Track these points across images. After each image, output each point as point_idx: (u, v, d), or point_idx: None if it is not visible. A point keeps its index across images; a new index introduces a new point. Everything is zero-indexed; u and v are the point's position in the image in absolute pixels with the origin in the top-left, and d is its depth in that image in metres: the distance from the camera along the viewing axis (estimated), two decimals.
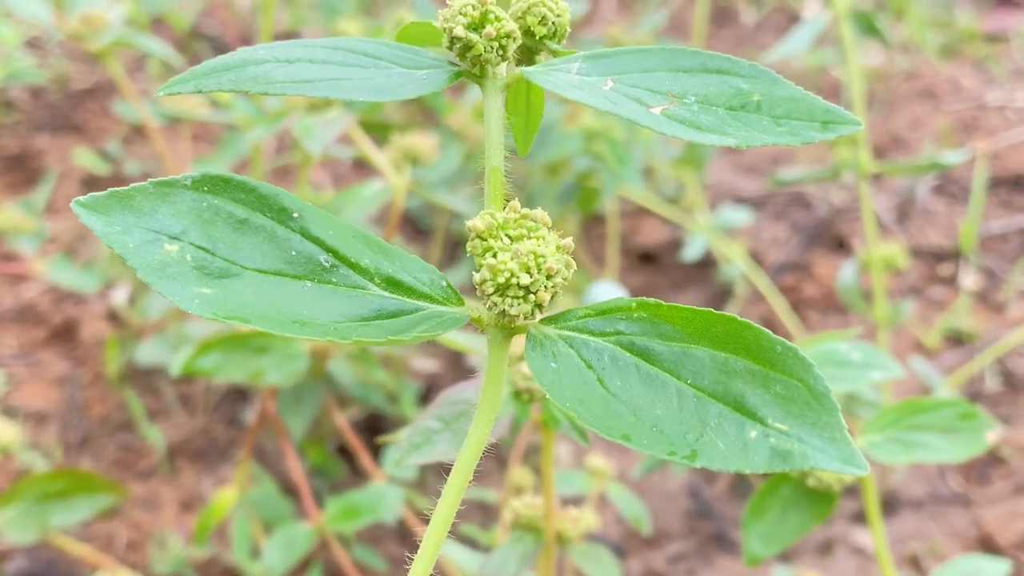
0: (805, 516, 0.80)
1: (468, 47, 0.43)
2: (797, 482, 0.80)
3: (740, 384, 0.40)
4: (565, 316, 0.43)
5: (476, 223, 0.41)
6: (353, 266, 0.43)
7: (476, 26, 0.43)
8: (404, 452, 0.61)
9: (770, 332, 0.40)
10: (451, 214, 1.62)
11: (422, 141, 1.02)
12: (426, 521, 1.27)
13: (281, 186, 1.59)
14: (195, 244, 0.42)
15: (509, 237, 0.41)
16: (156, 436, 1.42)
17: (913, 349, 1.56)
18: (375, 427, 1.44)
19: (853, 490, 1.39)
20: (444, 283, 0.43)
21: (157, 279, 0.41)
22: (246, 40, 2.16)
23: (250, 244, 0.42)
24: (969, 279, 1.64)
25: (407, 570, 1.27)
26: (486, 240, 0.41)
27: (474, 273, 0.41)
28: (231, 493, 1.15)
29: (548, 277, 0.41)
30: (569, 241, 0.42)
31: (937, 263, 1.70)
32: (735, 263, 1.61)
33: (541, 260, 0.40)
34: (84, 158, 1.88)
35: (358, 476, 1.39)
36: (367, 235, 0.43)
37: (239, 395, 1.50)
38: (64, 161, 1.92)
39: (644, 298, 0.42)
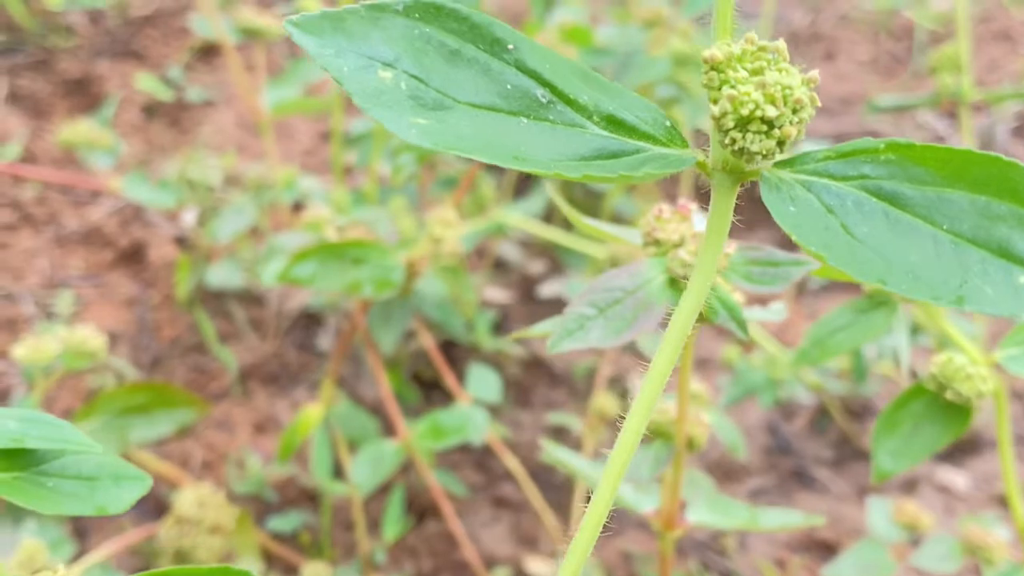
0: (940, 430, 0.77)
1: None
2: (932, 396, 0.77)
3: (1005, 229, 0.37)
4: (802, 159, 0.40)
5: (713, 52, 0.38)
6: (571, 103, 0.40)
7: None
8: (558, 337, 0.59)
9: None
10: None
11: None
12: (509, 446, 1.24)
13: (355, 112, 1.55)
14: (408, 73, 0.39)
15: (747, 70, 0.38)
16: (228, 357, 1.40)
17: None
18: (450, 355, 1.41)
19: None
20: (668, 123, 0.40)
21: (373, 105, 0.38)
22: None
23: (463, 76, 0.39)
24: None
25: (487, 495, 1.24)
26: (723, 72, 0.38)
27: (712, 106, 0.38)
28: (316, 410, 1.13)
29: (795, 111, 0.38)
30: (815, 74, 0.38)
31: None
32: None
33: (788, 91, 0.37)
34: (146, 83, 1.85)
35: (431, 404, 1.37)
36: (586, 71, 0.41)
37: (311, 320, 1.48)
38: (125, 87, 1.90)
39: (894, 139, 0.38)
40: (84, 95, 1.89)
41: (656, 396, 0.41)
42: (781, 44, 0.39)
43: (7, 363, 1.38)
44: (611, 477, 0.41)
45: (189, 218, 1.57)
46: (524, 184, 1.68)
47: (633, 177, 0.38)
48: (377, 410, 1.31)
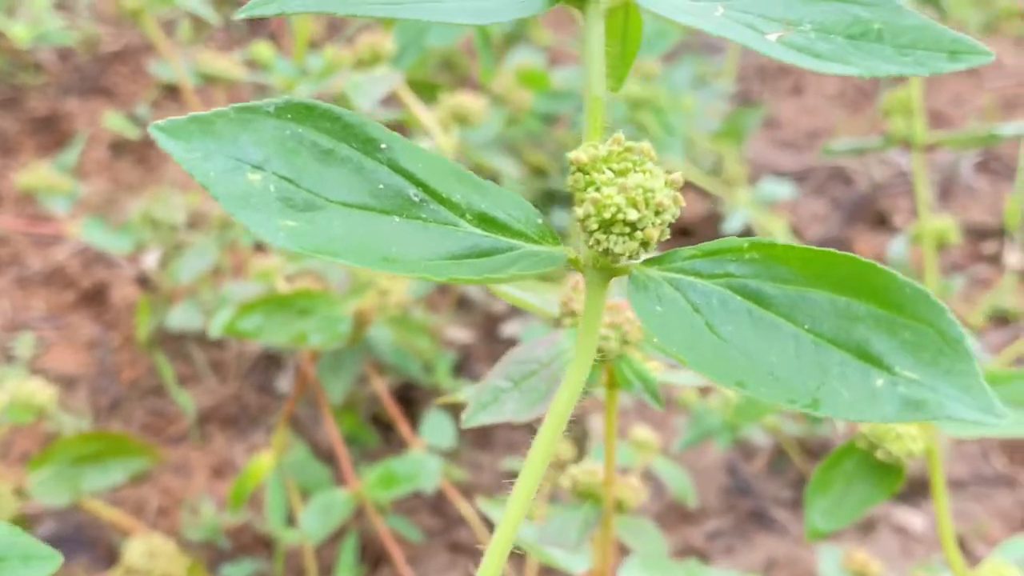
0: (871, 490, 0.77)
1: None
2: (863, 455, 0.77)
3: (863, 330, 0.37)
4: (670, 257, 0.40)
5: (579, 155, 0.39)
6: (444, 201, 0.40)
7: None
8: (472, 411, 0.59)
9: (897, 274, 0.37)
10: (493, 176, 1.59)
11: (471, 101, 0.99)
12: (463, 491, 1.24)
13: None
14: (278, 174, 0.39)
15: (613, 171, 0.39)
16: (187, 401, 1.40)
17: None
18: (409, 396, 1.41)
19: None
20: (540, 220, 0.41)
21: (240, 209, 0.38)
22: None
23: (335, 176, 0.40)
24: (1014, 257, 1.61)
25: (442, 540, 1.24)
26: (589, 173, 0.39)
27: (576, 209, 0.39)
28: (268, 458, 1.13)
29: (657, 213, 0.38)
30: (679, 176, 0.39)
31: (980, 241, 1.67)
32: (776, 238, 1.58)
33: (650, 194, 0.38)
34: (114, 121, 1.85)
35: (390, 446, 1.37)
36: (459, 169, 0.41)
37: (271, 361, 1.48)
38: (93, 124, 1.90)
39: (757, 238, 0.39)
40: (52, 132, 1.90)
41: (532, 492, 0.41)
42: (647, 145, 0.39)
43: None
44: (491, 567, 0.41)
45: (152, 259, 1.57)
46: None
47: (499, 278, 0.39)
48: (334, 455, 1.31)
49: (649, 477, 1.30)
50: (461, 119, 0.99)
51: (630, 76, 1.37)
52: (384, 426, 1.41)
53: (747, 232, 1.68)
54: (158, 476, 1.32)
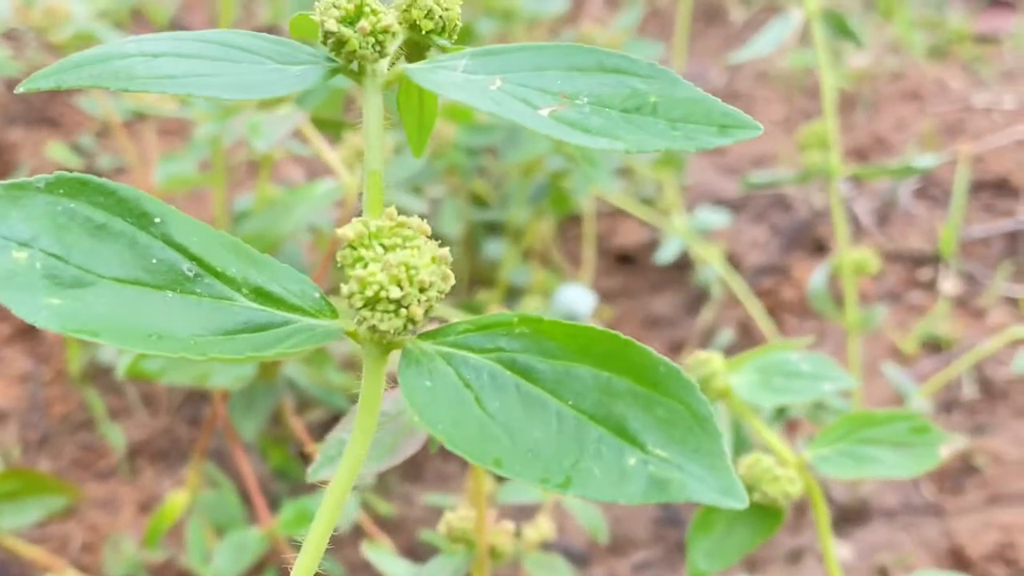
0: (751, 532, 0.77)
1: (342, 42, 0.40)
2: None
3: (622, 406, 0.37)
4: (444, 331, 0.40)
5: (346, 231, 0.39)
6: (219, 275, 0.40)
7: (351, 20, 0.40)
8: (319, 464, 0.59)
9: (653, 351, 0.37)
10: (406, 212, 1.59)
11: None
12: (393, 525, 1.23)
13: (247, 182, 1.56)
14: (46, 251, 0.39)
15: (383, 247, 0.39)
16: (116, 436, 1.40)
17: (890, 355, 1.53)
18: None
19: (829, 499, 1.36)
20: (317, 294, 0.41)
21: (3, 288, 0.38)
22: None
23: (108, 251, 0.40)
24: (949, 284, 1.61)
25: (370, 574, 1.23)
26: (357, 250, 0.39)
27: (342, 286, 0.39)
28: (182, 496, 1.12)
29: (421, 290, 0.38)
30: (446, 252, 0.39)
31: (917, 267, 1.67)
32: (712, 265, 1.58)
33: (413, 272, 0.38)
34: (57, 152, 1.85)
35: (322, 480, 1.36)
36: (236, 242, 0.41)
37: (203, 395, 1.48)
38: (38, 155, 1.89)
39: (526, 312, 0.39)
40: None
41: (315, 565, 0.41)
42: (417, 221, 0.39)
43: None
44: None
45: None
46: None
47: (266, 356, 0.39)
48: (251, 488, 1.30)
49: (559, 508, 1.30)
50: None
51: None
52: (311, 460, 1.40)
53: (683, 260, 1.68)
54: (85, 511, 1.32)
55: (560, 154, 1.41)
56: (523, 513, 1.13)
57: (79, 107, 2.02)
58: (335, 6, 0.40)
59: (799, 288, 1.66)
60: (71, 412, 1.45)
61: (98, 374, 1.48)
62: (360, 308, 0.38)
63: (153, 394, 1.48)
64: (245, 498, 1.26)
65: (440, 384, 0.39)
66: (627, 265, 1.78)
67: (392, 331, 0.38)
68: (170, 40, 0.42)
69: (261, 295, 0.40)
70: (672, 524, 1.38)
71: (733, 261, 1.70)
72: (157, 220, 0.40)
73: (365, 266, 0.38)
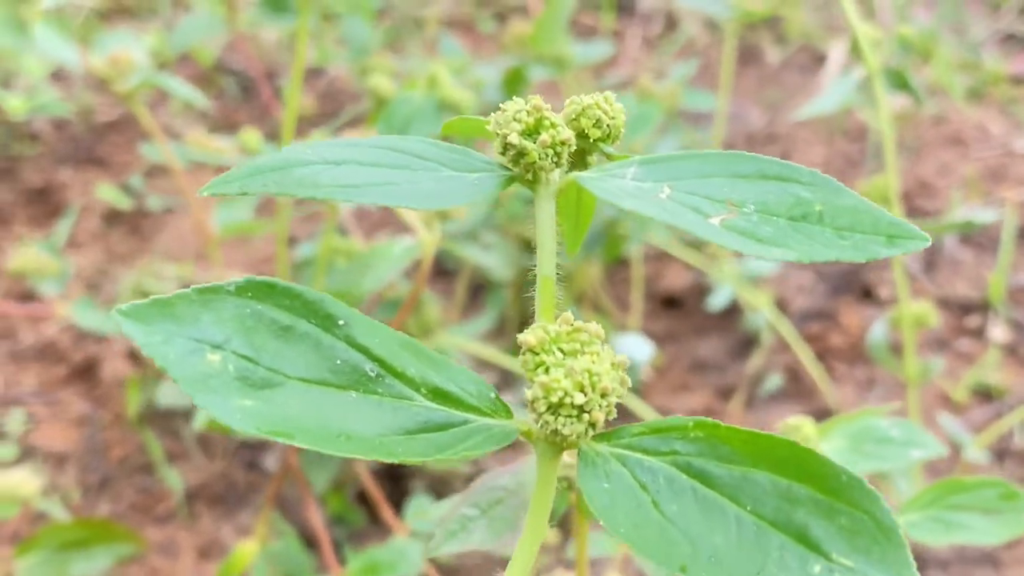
0: None
1: (522, 154, 0.41)
2: None
3: (803, 514, 0.38)
4: (618, 433, 0.41)
5: (528, 338, 0.40)
6: (399, 376, 0.42)
7: (531, 132, 0.42)
8: (440, 540, 0.60)
9: (834, 461, 0.38)
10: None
11: None
12: (457, 571, 1.24)
13: (308, 231, 1.58)
14: (238, 353, 0.40)
15: (562, 351, 0.40)
16: (175, 480, 1.41)
17: (940, 404, 1.53)
18: (394, 475, 1.42)
19: None
20: (492, 395, 0.42)
21: (198, 392, 0.39)
22: (272, 75, 2.16)
23: (294, 352, 0.41)
24: (998, 331, 1.62)
25: None
26: (538, 355, 0.40)
27: (526, 390, 0.40)
28: (251, 546, 1.13)
29: (603, 396, 0.39)
30: (624, 358, 0.40)
31: (964, 315, 1.68)
32: (760, 311, 1.59)
33: (596, 379, 0.39)
34: (107, 192, 1.87)
35: (378, 525, 1.37)
36: (414, 343, 0.42)
37: (258, 440, 1.49)
38: (87, 195, 1.92)
39: (701, 417, 0.40)
40: (46, 203, 1.91)
41: None
42: (595, 327, 0.41)
43: None
44: None
45: None
46: (477, 296, 1.70)
47: (450, 456, 0.40)
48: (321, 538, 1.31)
49: (629, 563, 1.31)
50: (443, 215, 1.00)
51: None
52: (371, 506, 1.41)
53: (730, 304, 1.69)
54: (146, 557, 1.33)
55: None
56: (593, 566, 1.14)
57: (127, 147, 2.05)
58: (516, 120, 0.41)
59: (847, 334, 1.67)
60: (129, 455, 1.46)
61: (156, 417, 1.50)
62: (543, 413, 0.39)
63: (209, 439, 1.49)
64: (308, 545, 1.28)
65: (617, 486, 0.40)
66: (673, 309, 1.79)
67: (574, 435, 0.39)
68: (347, 147, 0.43)
69: (439, 395, 0.42)
70: None
71: (780, 306, 1.71)
72: (341, 322, 0.42)
73: (547, 371, 0.39)
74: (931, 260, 1.77)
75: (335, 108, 2.11)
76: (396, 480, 1.41)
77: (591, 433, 0.40)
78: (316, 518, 1.11)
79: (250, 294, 0.41)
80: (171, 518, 1.39)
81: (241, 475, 1.45)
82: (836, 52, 2.44)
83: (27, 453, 1.45)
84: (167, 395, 1.47)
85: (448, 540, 0.60)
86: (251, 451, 1.48)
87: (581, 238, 0.47)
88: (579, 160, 0.45)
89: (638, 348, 1.31)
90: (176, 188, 1.97)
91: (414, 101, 1.06)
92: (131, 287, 1.55)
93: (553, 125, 0.41)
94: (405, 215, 1.01)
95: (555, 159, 0.42)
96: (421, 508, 1.21)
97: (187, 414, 1.50)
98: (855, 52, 1.25)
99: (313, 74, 2.26)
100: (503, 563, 0.43)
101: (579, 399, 0.39)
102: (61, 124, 2.08)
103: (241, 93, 2.20)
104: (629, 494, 0.40)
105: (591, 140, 0.43)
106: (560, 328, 0.40)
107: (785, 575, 0.37)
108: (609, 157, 0.44)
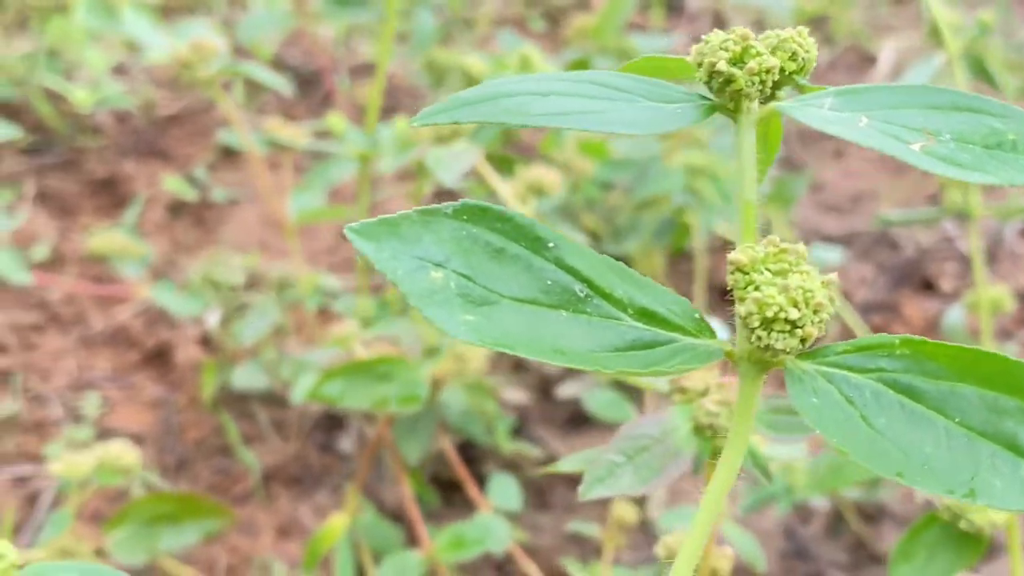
0: (953, 559, 0.79)
1: (729, 81, 0.43)
2: (946, 525, 0.79)
3: (1012, 424, 0.39)
4: (823, 352, 0.43)
5: (739, 257, 0.42)
6: (607, 296, 0.43)
7: (737, 61, 0.43)
8: (588, 485, 0.61)
9: None
10: None
11: (547, 174, 1.03)
12: (529, 550, 1.26)
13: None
14: (457, 272, 0.42)
15: (770, 271, 0.42)
16: (252, 461, 1.43)
17: None
18: (467, 456, 1.44)
19: None
20: (696, 315, 0.44)
21: (426, 305, 0.41)
22: (327, 72, 2.19)
23: (506, 273, 0.43)
24: None
25: None
26: (748, 274, 0.41)
27: (738, 307, 0.41)
28: (341, 520, 1.15)
29: (815, 312, 0.41)
30: (833, 277, 0.42)
31: None
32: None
33: (809, 295, 0.40)
34: (172, 183, 1.90)
35: (451, 506, 1.39)
36: (620, 266, 0.44)
37: (332, 422, 1.51)
38: (150, 186, 1.94)
39: (907, 335, 0.41)
40: (110, 195, 1.94)
41: (695, 557, 0.44)
42: (801, 247, 0.42)
43: (37, 467, 1.41)
44: None
45: (212, 319, 1.60)
46: None
47: (664, 369, 0.41)
48: (398, 515, 1.33)
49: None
50: (538, 191, 1.02)
51: (686, 143, 1.39)
52: (445, 486, 1.43)
53: None
54: (226, 535, 1.34)
55: (689, 191, 1.44)
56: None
57: (188, 139, 2.08)
58: (723, 48, 0.43)
59: (909, 325, 1.68)
60: (205, 437, 1.48)
61: (230, 401, 1.52)
62: (756, 328, 0.41)
63: (283, 421, 1.51)
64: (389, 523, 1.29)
65: (825, 401, 0.41)
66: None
67: (787, 349, 0.41)
68: (549, 80, 0.45)
69: (645, 315, 0.43)
70: (800, 558, 1.39)
71: (842, 298, 1.73)
72: (550, 245, 0.43)
73: (758, 289, 0.41)
74: (992, 253, 1.78)
75: (393, 104, 2.13)
76: (469, 463, 1.42)
77: (800, 349, 0.41)
78: (407, 492, 1.13)
79: (465, 217, 0.43)
80: (249, 498, 1.41)
81: (315, 457, 1.47)
82: (887, 52, 2.45)
83: (103, 435, 1.47)
84: (242, 378, 1.50)
85: (596, 485, 0.62)
86: (325, 433, 1.50)
87: (768, 168, 0.49)
88: (770, 94, 0.46)
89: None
90: (239, 179, 1.99)
91: None
92: (201, 275, 1.58)
93: (759, 53, 0.43)
94: (501, 192, 1.03)
95: (760, 87, 0.43)
96: (504, 485, 1.23)
97: (262, 397, 1.52)
98: (933, 37, 1.27)
99: (366, 70, 2.28)
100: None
101: (793, 314, 0.40)
102: (123, 117, 2.11)
103: (298, 88, 2.22)
104: (837, 409, 0.41)
105: (787, 74, 0.45)
106: (768, 249, 0.42)
107: (998, 480, 0.38)
108: (802, 89, 0.46)
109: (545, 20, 2.62)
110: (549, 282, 0.43)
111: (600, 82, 0.45)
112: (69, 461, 1.03)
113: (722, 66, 0.43)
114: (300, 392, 1.04)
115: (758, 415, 0.63)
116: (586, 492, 0.61)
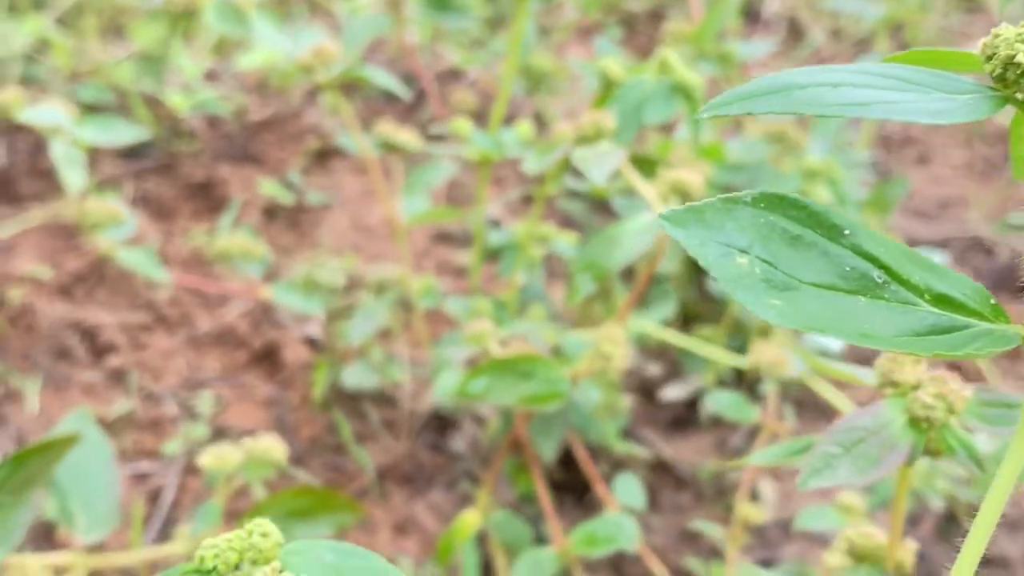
0: None
1: None
2: None
3: None
4: None
5: None
6: (904, 283, 0.44)
7: None
8: (806, 476, 0.62)
9: None
10: None
11: (690, 176, 1.04)
12: (654, 551, 1.26)
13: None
14: (760, 258, 0.43)
15: None
16: (365, 459, 1.45)
17: None
18: (578, 457, 1.45)
19: None
20: (992, 301, 0.45)
21: (736, 289, 0.42)
22: (411, 78, 2.21)
23: (804, 259, 0.44)
24: None
25: None
26: None
27: None
28: (474, 516, 1.17)
29: None
30: None
31: None
32: None
33: None
34: (268, 187, 1.93)
35: (563, 507, 1.40)
36: (914, 253, 0.45)
37: (442, 422, 1.53)
38: (246, 190, 1.97)
39: None
40: (206, 198, 1.97)
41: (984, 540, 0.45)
42: None
43: (155, 464, 1.43)
44: None
45: (317, 320, 1.62)
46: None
47: (961, 354, 0.43)
48: (518, 513, 1.34)
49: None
50: (681, 193, 1.03)
51: (799, 149, 1.39)
52: (557, 487, 1.44)
53: None
54: (346, 532, 1.36)
55: (800, 193, 1.45)
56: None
57: (279, 144, 2.10)
58: (1020, 40, 0.44)
59: None
60: (318, 436, 1.50)
61: (341, 400, 1.54)
62: None
63: (393, 420, 1.53)
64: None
65: None
66: None
67: None
68: (838, 72, 0.46)
69: (942, 301, 0.44)
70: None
71: None
72: (846, 232, 0.44)
73: None
74: None
75: (485, 108, 2.15)
76: (580, 464, 1.43)
77: None
78: (543, 490, 1.14)
79: (763, 204, 0.44)
80: (364, 496, 1.43)
81: (427, 456, 1.49)
82: None
83: (219, 433, 1.49)
84: (352, 377, 1.52)
85: (814, 476, 0.63)
86: (435, 433, 1.52)
87: None
88: None
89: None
90: (332, 183, 2.02)
91: (646, 85, 1.09)
92: (303, 277, 1.60)
93: None
94: (645, 193, 1.04)
95: None
96: (628, 486, 1.24)
97: (372, 397, 1.54)
98: None
99: (452, 76, 2.31)
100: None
101: None
102: (215, 122, 2.14)
103: (384, 94, 2.24)
104: None
105: None
106: None
107: None
108: None
109: (622, 27, 2.63)
110: (847, 268, 0.44)
111: (891, 75, 0.47)
112: (217, 455, 1.05)
113: (1021, 58, 0.44)
114: (444, 389, 1.06)
115: (970, 408, 0.64)
116: (804, 483, 0.62)
